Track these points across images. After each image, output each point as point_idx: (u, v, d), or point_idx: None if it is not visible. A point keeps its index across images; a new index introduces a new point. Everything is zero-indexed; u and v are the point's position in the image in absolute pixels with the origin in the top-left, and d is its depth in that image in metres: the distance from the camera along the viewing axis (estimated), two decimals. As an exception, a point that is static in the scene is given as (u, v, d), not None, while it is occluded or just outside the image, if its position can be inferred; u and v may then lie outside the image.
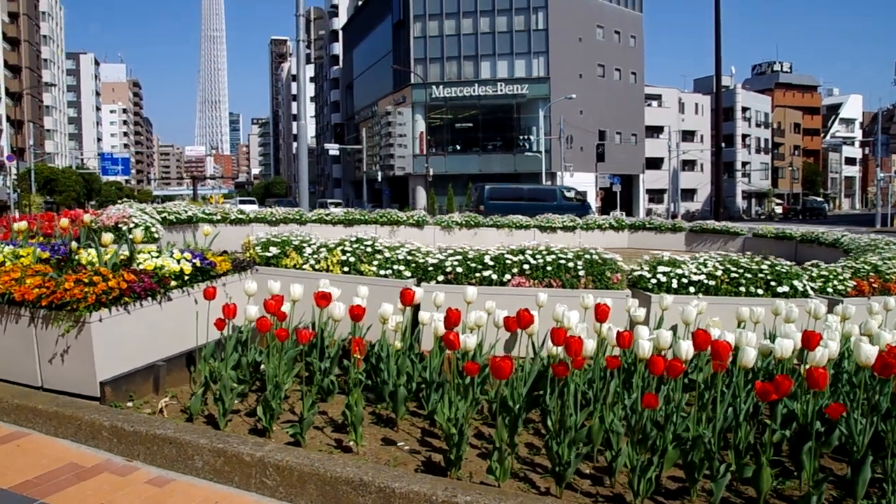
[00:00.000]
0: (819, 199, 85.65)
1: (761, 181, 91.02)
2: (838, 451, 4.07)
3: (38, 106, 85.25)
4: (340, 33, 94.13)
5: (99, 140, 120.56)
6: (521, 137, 65.84)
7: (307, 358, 5.09)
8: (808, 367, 3.42)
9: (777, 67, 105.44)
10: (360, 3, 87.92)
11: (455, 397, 4.00)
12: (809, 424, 3.60)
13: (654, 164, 75.26)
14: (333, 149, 69.66)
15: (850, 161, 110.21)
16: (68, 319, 4.57)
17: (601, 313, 4.12)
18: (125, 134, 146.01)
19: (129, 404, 4.69)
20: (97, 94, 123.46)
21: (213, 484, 3.87)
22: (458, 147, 67.11)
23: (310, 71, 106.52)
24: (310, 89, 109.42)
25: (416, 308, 5.57)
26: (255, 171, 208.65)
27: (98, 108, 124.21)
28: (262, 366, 4.97)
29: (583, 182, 56.27)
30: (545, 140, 61.40)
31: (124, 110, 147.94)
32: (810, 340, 3.62)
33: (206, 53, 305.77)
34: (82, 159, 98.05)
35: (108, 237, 5.29)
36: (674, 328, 5.04)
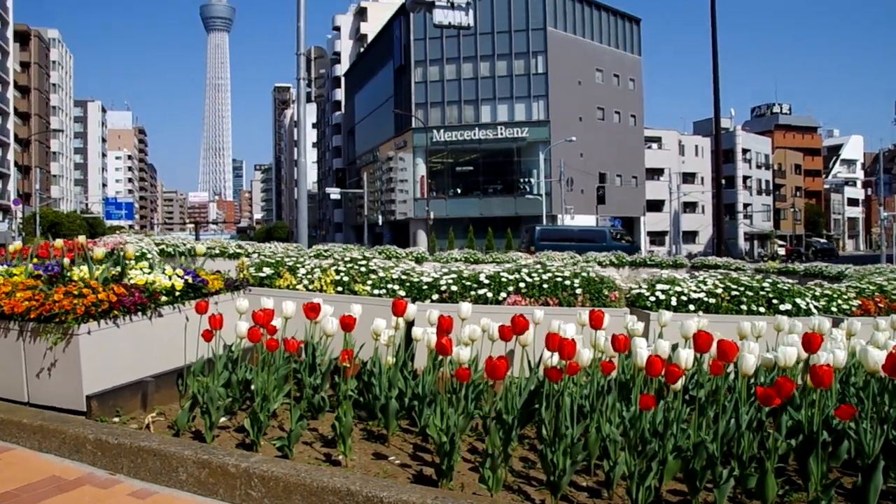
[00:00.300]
0: (823, 240, 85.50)
1: (763, 223, 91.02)
2: (847, 466, 3.93)
3: (45, 152, 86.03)
4: (343, 79, 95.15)
5: (104, 185, 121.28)
6: (522, 180, 66.07)
7: (297, 375, 4.99)
8: (812, 365, 3.30)
9: (776, 109, 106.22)
10: (362, 49, 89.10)
11: (447, 407, 3.90)
12: (816, 433, 3.48)
13: (655, 206, 75.41)
14: (335, 193, 69.81)
15: (853, 202, 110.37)
16: (56, 332, 4.49)
17: (596, 320, 4.02)
18: (130, 180, 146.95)
19: (116, 420, 4.58)
20: (103, 140, 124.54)
21: (196, 496, 3.76)
22: (459, 190, 67.35)
23: (312, 116, 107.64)
24: (312, 135, 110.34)
25: (410, 326, 5.48)
26: (258, 216, 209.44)
27: (104, 155, 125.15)
28: (253, 385, 4.87)
29: (583, 224, 56.29)
30: (546, 183, 61.60)
31: (129, 156, 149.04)
32: (811, 343, 3.51)
33: (211, 101, 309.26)
34: (87, 204, 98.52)
35: (100, 251, 5.23)
36: (674, 347, 4.95)
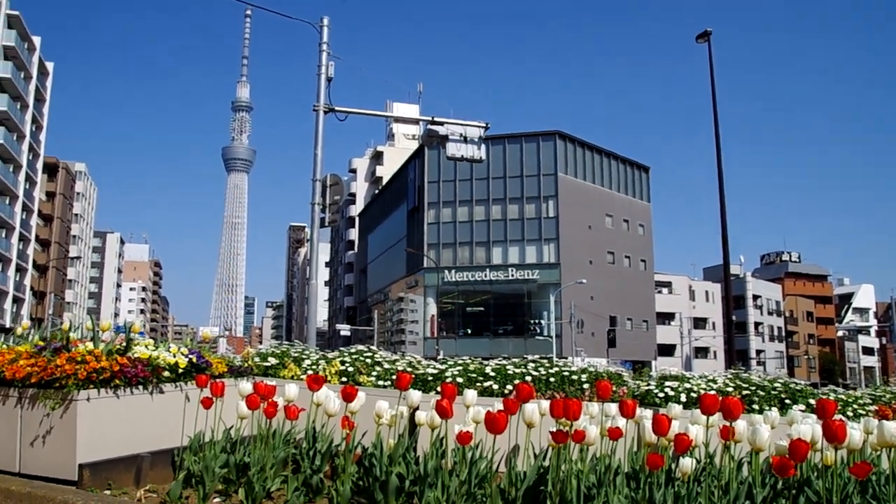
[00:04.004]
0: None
1: (777, 370, 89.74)
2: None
3: (61, 279, 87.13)
4: (357, 219, 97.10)
5: (116, 315, 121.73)
6: (532, 322, 65.90)
7: (297, 460, 4.85)
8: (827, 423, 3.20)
9: (786, 257, 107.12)
10: (376, 191, 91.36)
11: (448, 479, 3.77)
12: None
13: (667, 350, 74.77)
14: (345, 329, 69.90)
15: (868, 350, 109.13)
16: (56, 397, 4.43)
17: (603, 389, 3.93)
18: (142, 311, 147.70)
19: (107, 492, 4.43)
20: (119, 271, 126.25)
21: (185, 561, 3.59)
22: (469, 331, 67.11)
23: (325, 255, 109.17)
24: (324, 273, 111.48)
25: (414, 414, 5.36)
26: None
27: (119, 285, 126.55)
28: (249, 459, 4.73)
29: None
30: (556, 325, 61.44)
31: (143, 288, 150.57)
32: (826, 408, 3.40)
33: (227, 238, 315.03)
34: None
35: (106, 323, 5.22)
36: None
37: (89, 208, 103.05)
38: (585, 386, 5.69)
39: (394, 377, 5.98)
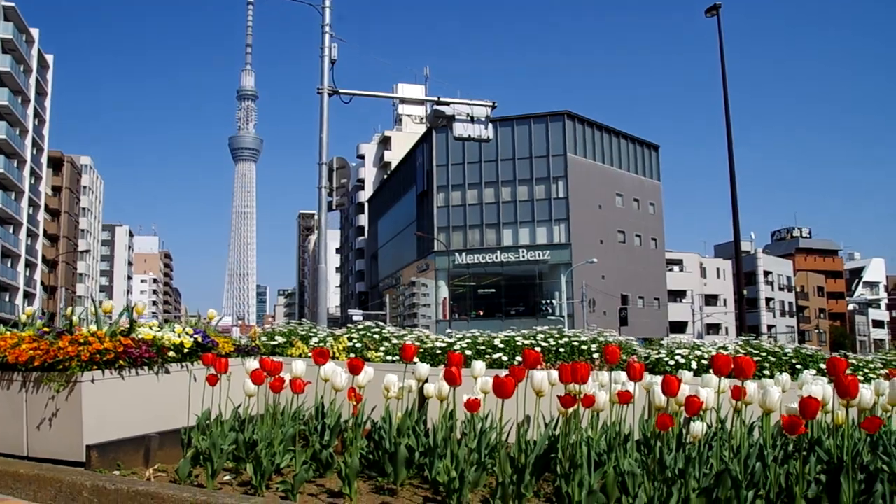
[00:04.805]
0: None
1: (788, 344, 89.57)
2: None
3: (72, 273, 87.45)
4: (366, 205, 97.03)
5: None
6: (544, 302, 65.81)
7: (305, 437, 4.83)
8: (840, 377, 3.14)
9: (796, 233, 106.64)
10: (385, 176, 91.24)
11: (457, 448, 3.73)
12: (844, 460, 3.27)
13: (679, 327, 74.65)
14: (357, 315, 69.95)
15: (878, 324, 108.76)
16: (60, 379, 4.41)
17: (611, 353, 3.85)
18: (154, 303, 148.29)
19: (116, 473, 4.41)
20: (129, 263, 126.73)
21: (192, 537, 3.56)
22: (481, 313, 67.11)
23: (335, 241, 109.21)
24: (335, 260, 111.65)
25: (423, 388, 5.32)
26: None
27: (129, 278, 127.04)
28: (259, 446, 4.70)
29: (607, 344, 55.60)
30: (568, 304, 61.37)
31: (154, 280, 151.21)
32: (837, 365, 3.33)
33: (237, 228, 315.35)
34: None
35: (108, 304, 5.19)
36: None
37: (96, 202, 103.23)
38: (595, 356, 5.64)
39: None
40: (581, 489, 3.24)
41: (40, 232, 74.37)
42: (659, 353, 5.83)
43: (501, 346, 5.65)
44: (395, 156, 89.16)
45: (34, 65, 69.31)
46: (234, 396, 5.11)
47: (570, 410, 3.54)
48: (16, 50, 64.00)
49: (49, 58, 75.37)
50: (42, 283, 74.66)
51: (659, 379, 3.79)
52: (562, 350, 5.61)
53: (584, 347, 5.65)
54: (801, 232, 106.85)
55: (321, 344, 6.14)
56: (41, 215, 74.96)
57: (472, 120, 19.04)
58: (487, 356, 5.66)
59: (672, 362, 5.62)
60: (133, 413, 4.69)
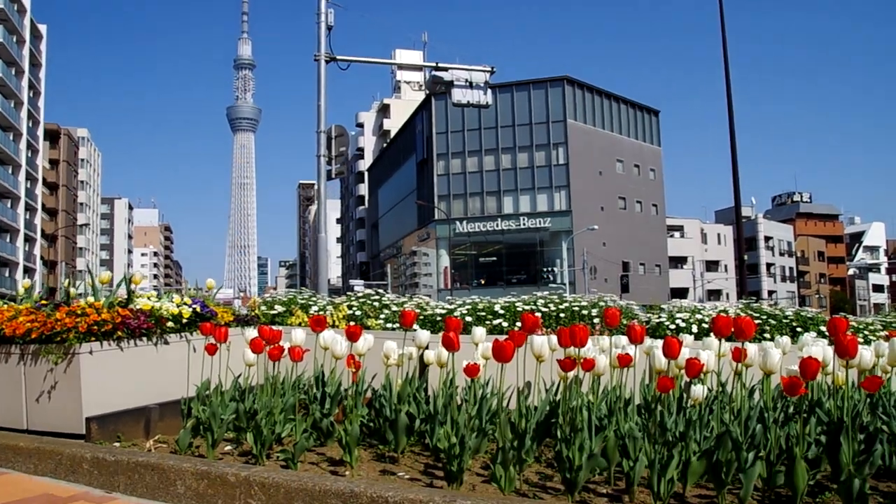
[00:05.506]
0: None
1: (789, 308, 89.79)
2: (883, 476, 3.67)
3: (71, 247, 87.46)
4: (366, 174, 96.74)
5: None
6: (545, 270, 65.83)
7: (306, 406, 4.82)
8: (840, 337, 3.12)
9: (797, 198, 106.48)
10: (384, 144, 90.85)
11: (457, 414, 3.72)
12: (844, 421, 3.26)
13: (680, 294, 74.66)
14: (358, 285, 70.04)
15: (878, 288, 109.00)
16: (58, 351, 4.39)
17: (611, 316, 3.82)
18: (155, 276, 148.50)
19: (117, 444, 4.41)
20: (129, 237, 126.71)
21: (193, 507, 3.56)
22: (483, 281, 67.20)
23: (336, 212, 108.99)
24: (336, 230, 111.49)
25: (423, 355, 5.31)
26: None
27: (130, 251, 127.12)
28: (259, 415, 4.70)
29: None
30: (569, 272, 61.41)
31: (155, 253, 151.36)
32: (838, 325, 3.31)
33: (237, 199, 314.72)
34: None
35: (106, 275, 5.16)
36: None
37: (95, 175, 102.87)
38: (596, 321, 5.62)
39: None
40: (582, 453, 3.23)
41: (38, 206, 74.24)
42: (660, 316, 5.81)
43: (502, 311, 5.64)
44: (394, 124, 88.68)
45: (27, 35, 68.68)
46: (234, 367, 5.10)
47: (571, 374, 3.53)
48: (7, 20, 63.33)
49: (42, 28, 74.66)
50: (42, 257, 74.71)
51: (660, 342, 3.78)
52: (562, 315, 5.60)
53: (585, 312, 5.63)
54: (801, 197, 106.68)
55: (321, 312, 6.12)
56: (39, 189, 74.78)
57: (470, 86, 18.89)
58: (488, 322, 5.64)
59: (673, 326, 5.61)
60: (132, 384, 4.68)
